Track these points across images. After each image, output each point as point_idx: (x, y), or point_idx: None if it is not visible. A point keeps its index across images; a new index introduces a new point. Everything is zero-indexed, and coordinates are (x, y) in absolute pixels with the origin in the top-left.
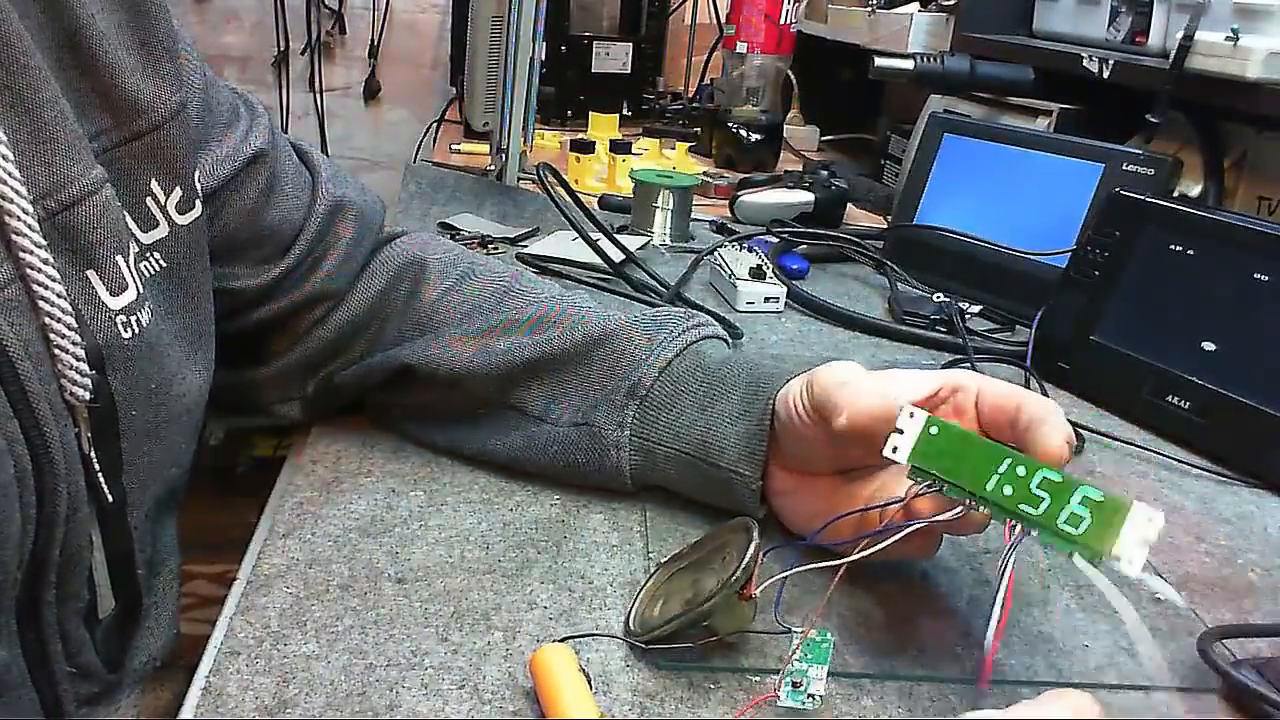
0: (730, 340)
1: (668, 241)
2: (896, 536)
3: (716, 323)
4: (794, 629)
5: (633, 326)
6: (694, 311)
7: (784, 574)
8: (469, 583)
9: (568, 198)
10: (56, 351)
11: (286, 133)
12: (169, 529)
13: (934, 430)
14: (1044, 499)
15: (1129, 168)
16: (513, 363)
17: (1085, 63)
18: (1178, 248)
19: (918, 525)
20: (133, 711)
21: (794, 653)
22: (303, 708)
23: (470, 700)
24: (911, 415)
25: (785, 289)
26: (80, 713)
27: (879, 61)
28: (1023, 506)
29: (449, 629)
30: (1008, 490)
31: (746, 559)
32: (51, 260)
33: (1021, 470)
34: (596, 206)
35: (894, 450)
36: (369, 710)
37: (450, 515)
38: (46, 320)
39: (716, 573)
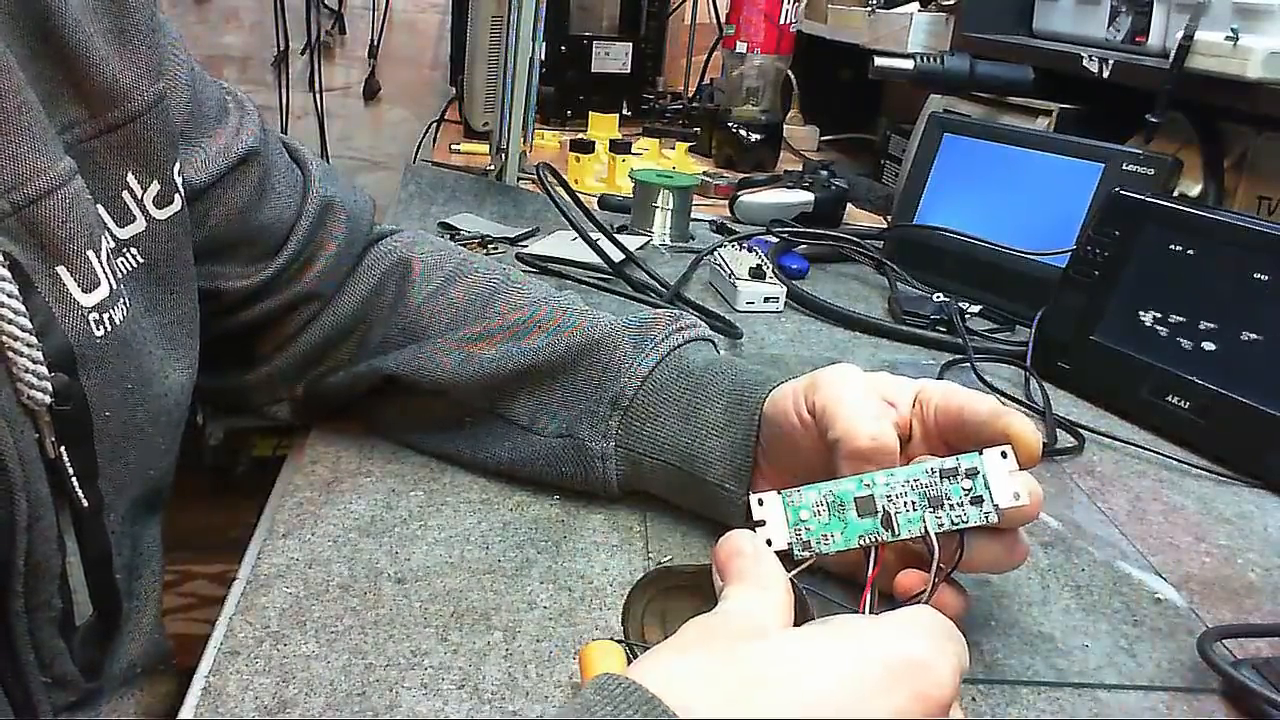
0: (716, 342)
1: (668, 241)
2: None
3: (703, 323)
4: None
5: (617, 333)
6: (680, 313)
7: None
8: (469, 583)
9: (568, 198)
10: (10, 355)
11: (286, 133)
12: (151, 531)
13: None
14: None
15: (1129, 168)
16: (498, 374)
17: (1085, 63)
18: (1178, 248)
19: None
20: (114, 716)
21: None
22: (303, 708)
23: (470, 700)
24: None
25: (785, 289)
26: (60, 719)
27: (879, 61)
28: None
29: (449, 629)
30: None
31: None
32: (3, 258)
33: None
34: (596, 206)
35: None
36: (369, 710)
37: (450, 515)
38: None
39: None
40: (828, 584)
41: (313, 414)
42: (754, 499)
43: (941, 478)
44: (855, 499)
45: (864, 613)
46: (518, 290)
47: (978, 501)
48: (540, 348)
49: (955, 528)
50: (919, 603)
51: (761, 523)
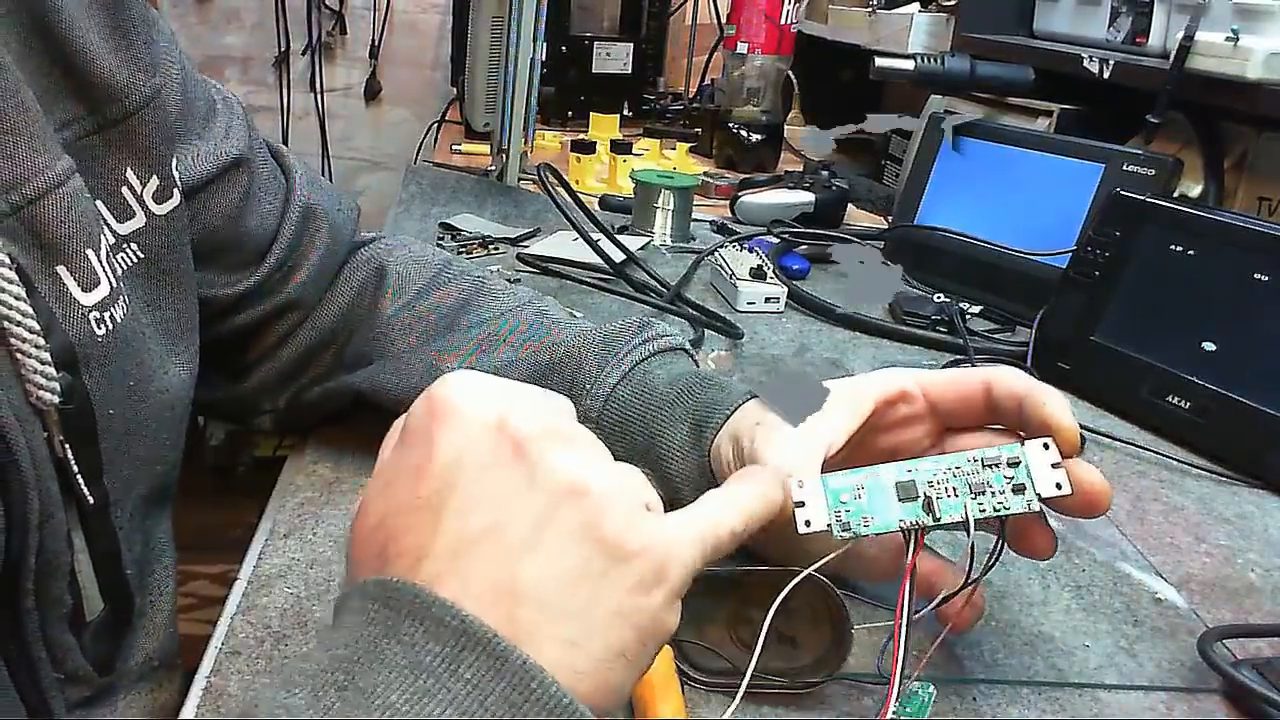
0: (688, 349)
1: (668, 242)
2: (936, 602)
3: (673, 331)
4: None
5: (583, 348)
6: (650, 321)
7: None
8: None
9: (568, 198)
10: (18, 355)
11: (288, 133)
12: (162, 526)
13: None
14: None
15: (1129, 168)
16: None
17: (1085, 63)
18: (1178, 248)
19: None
20: (130, 713)
21: (894, 701)
22: None
23: None
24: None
25: (786, 289)
26: (74, 715)
27: (879, 62)
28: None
29: None
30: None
31: (845, 641)
32: (8, 260)
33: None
34: (597, 207)
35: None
36: None
37: None
38: (5, 325)
39: (778, 621)
40: (859, 596)
41: (294, 423)
42: (794, 481)
43: (984, 466)
44: (897, 483)
45: (902, 600)
46: (488, 302)
47: (1020, 490)
48: (502, 368)
49: (997, 514)
50: (957, 595)
51: (801, 504)
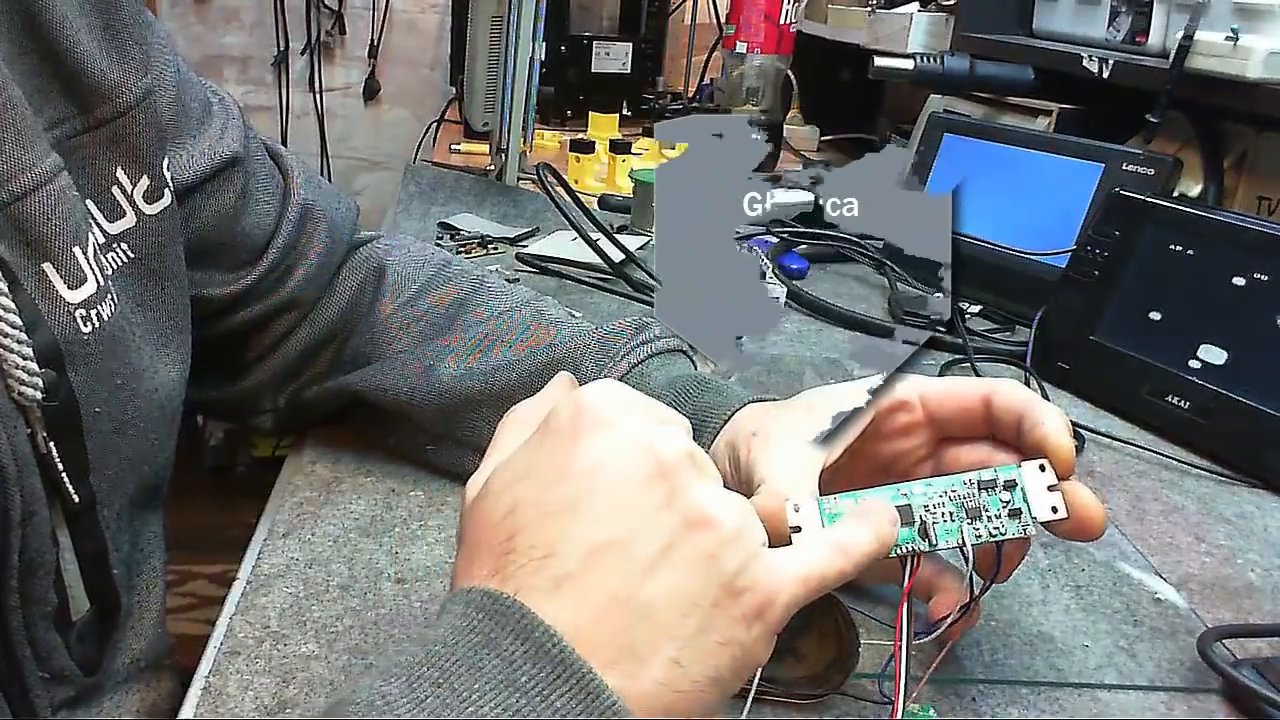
0: (686, 350)
1: None
2: (953, 618)
3: (671, 331)
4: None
5: (580, 349)
6: (648, 322)
7: (898, 653)
8: None
9: (568, 198)
10: (1, 351)
11: (287, 133)
12: (151, 526)
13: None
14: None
15: (1129, 168)
16: (455, 395)
17: (1085, 63)
18: (1178, 248)
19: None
20: (117, 712)
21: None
22: (303, 708)
23: None
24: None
25: (785, 289)
26: (59, 715)
27: (879, 61)
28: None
29: None
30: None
31: (851, 658)
32: None
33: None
34: (596, 206)
35: None
36: None
37: (450, 515)
38: None
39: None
40: (861, 599)
41: (294, 423)
42: (790, 505)
43: (979, 489)
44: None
45: (900, 626)
46: (487, 301)
47: (1016, 514)
48: (499, 367)
49: (993, 539)
50: (958, 616)
51: (797, 529)
